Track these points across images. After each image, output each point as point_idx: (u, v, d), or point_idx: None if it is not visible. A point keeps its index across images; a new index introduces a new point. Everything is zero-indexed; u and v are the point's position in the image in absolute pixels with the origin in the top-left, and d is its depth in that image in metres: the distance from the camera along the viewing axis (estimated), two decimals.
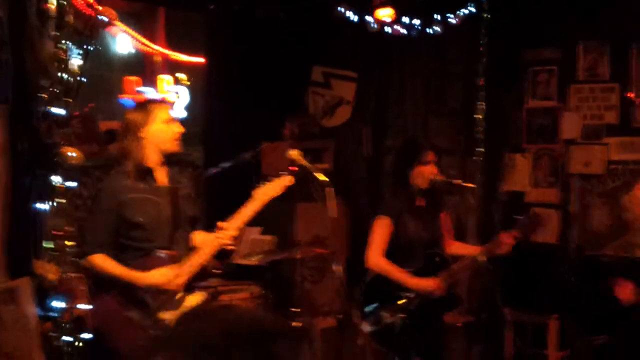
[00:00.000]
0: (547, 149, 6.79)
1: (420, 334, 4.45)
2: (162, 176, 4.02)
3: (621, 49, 6.40)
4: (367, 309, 4.48)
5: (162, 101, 4.73)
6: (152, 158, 3.95)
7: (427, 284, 4.43)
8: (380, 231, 4.54)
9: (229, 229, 3.94)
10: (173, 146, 3.97)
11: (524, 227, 4.59)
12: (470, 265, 4.62)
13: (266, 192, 4.04)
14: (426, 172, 4.54)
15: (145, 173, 3.95)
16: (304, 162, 4.34)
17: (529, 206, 6.73)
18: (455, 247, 4.82)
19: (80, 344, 4.14)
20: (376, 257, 4.50)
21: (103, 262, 3.85)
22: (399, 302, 4.44)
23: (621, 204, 6.31)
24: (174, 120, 4.00)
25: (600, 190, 6.52)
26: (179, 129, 3.98)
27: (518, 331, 6.41)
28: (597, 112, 6.57)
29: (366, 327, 4.45)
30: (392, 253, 4.53)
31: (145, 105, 4.02)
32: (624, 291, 4.56)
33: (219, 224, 3.97)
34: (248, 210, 3.99)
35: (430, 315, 4.48)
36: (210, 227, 4.23)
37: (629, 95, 6.39)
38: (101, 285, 3.96)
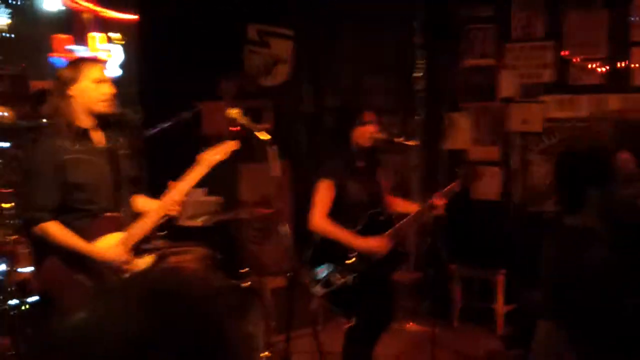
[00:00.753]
0: (485, 107, 6.86)
1: (370, 292, 4.46)
2: (98, 137, 3.88)
3: (555, 6, 6.47)
4: (317, 271, 4.45)
5: (94, 59, 4.56)
6: (83, 118, 3.80)
7: (372, 243, 4.43)
8: (323, 193, 4.51)
9: (176, 195, 3.86)
10: (103, 107, 3.80)
11: (463, 179, 4.64)
12: (414, 222, 4.64)
13: (211, 156, 3.97)
14: (367, 132, 4.51)
15: (80, 134, 3.80)
16: (245, 121, 4.30)
17: (471, 163, 6.80)
18: (395, 204, 4.84)
19: (26, 306, 4.01)
20: (320, 220, 4.48)
21: (57, 230, 3.72)
22: (348, 262, 4.42)
23: None
24: (105, 80, 3.82)
25: (538, 147, 6.63)
26: (110, 89, 3.81)
27: (465, 286, 6.52)
28: (533, 71, 6.64)
29: (318, 290, 4.42)
30: (336, 214, 4.51)
31: (76, 63, 3.85)
32: None
33: (170, 183, 3.88)
34: (194, 174, 3.93)
35: (379, 273, 4.49)
36: (152, 187, 4.15)
37: (563, 53, 6.47)
38: (44, 248, 3.83)
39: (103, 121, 3.87)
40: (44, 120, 4.76)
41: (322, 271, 4.44)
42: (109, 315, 1.24)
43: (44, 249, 3.86)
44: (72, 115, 3.76)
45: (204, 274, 4.75)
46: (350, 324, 4.47)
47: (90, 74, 3.77)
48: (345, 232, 4.44)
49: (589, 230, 3.13)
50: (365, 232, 4.48)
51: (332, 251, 4.45)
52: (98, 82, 3.78)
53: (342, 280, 4.40)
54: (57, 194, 3.75)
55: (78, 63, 3.84)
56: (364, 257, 4.43)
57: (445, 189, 4.58)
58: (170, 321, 1.22)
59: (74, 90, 3.75)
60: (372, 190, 4.63)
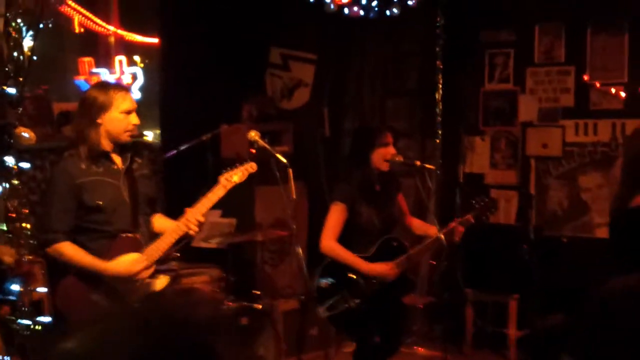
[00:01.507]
0: (504, 131, 6.84)
1: (376, 317, 4.46)
2: (117, 158, 3.94)
3: (577, 30, 6.46)
4: (324, 293, 4.45)
5: (125, 88, 4.64)
6: (105, 143, 3.86)
7: (380, 268, 4.43)
8: (335, 216, 4.53)
9: (195, 215, 3.90)
10: (125, 137, 3.87)
11: (479, 211, 4.61)
12: (427, 250, 4.63)
13: (230, 178, 4.02)
14: (387, 154, 4.52)
15: (101, 156, 3.86)
16: (263, 144, 4.35)
17: (488, 188, 6.78)
18: (415, 225, 4.83)
19: (39, 327, 4.06)
20: (329, 242, 4.49)
21: (71, 250, 3.79)
22: (354, 286, 4.42)
23: (579, 185, 6.40)
24: (133, 110, 3.89)
25: (557, 172, 6.59)
26: (136, 120, 3.87)
27: (478, 311, 6.46)
28: (553, 95, 6.62)
29: (323, 313, 4.43)
30: (348, 238, 4.51)
31: (106, 89, 3.87)
32: None
33: (186, 210, 3.92)
34: (212, 196, 3.98)
35: (385, 299, 4.48)
36: (170, 209, 4.19)
37: (584, 77, 6.45)
38: (59, 269, 3.90)
39: (122, 146, 3.94)
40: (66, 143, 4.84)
41: (329, 294, 4.45)
42: (104, 341, 1.23)
43: (59, 270, 3.93)
44: (98, 141, 3.83)
45: (210, 297, 4.78)
46: (354, 348, 4.47)
47: (122, 104, 3.82)
48: (353, 256, 4.45)
49: None
50: (377, 257, 4.49)
51: (340, 274, 4.45)
52: (128, 113, 3.85)
53: (347, 304, 4.40)
54: (72, 216, 3.80)
55: (109, 90, 3.85)
56: (370, 281, 4.42)
57: (462, 219, 4.55)
58: (166, 347, 1.21)
59: (103, 119, 3.80)
60: (386, 214, 4.63)
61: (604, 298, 3.27)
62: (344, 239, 4.52)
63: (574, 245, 6.31)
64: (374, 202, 4.58)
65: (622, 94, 6.29)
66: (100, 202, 3.80)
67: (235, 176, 4.02)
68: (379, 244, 4.52)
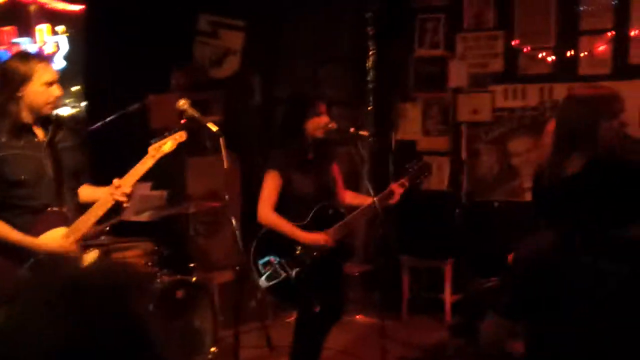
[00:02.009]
0: (436, 97, 6.87)
1: (316, 285, 4.46)
2: (39, 131, 3.82)
3: None
4: (261, 263, 4.43)
5: (46, 58, 4.47)
6: (26, 115, 3.74)
7: (317, 237, 4.42)
8: (270, 185, 4.48)
9: (123, 186, 3.81)
10: (47, 109, 3.76)
11: (413, 175, 4.64)
12: (362, 216, 4.63)
13: (159, 148, 3.92)
14: (321, 123, 4.48)
15: (22, 129, 3.74)
16: (194, 113, 4.26)
17: (421, 154, 6.82)
18: (348, 197, 4.83)
19: None
20: (266, 212, 4.45)
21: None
22: (293, 255, 4.41)
23: (509, 150, 6.49)
24: (55, 81, 3.77)
25: (487, 137, 6.66)
26: (58, 92, 3.76)
27: (414, 277, 6.54)
28: (483, 61, 6.67)
29: (262, 283, 4.41)
30: (284, 207, 4.49)
31: (27, 61, 3.74)
32: None
33: (114, 180, 3.82)
34: (141, 166, 3.88)
35: (325, 267, 4.48)
36: (98, 182, 4.09)
37: (513, 42, 6.50)
38: None
39: (43, 118, 3.83)
40: None
41: (266, 263, 4.42)
42: (28, 316, 1.21)
43: None
44: (18, 114, 3.70)
45: (132, 267, 4.72)
46: (295, 317, 4.46)
47: (43, 76, 3.70)
48: (290, 226, 4.43)
49: None
50: (313, 225, 4.47)
51: (277, 243, 4.43)
52: (49, 85, 3.73)
53: (286, 273, 4.39)
54: None
55: (29, 61, 3.73)
56: (309, 250, 4.42)
57: (397, 183, 4.57)
58: (90, 318, 1.19)
59: (24, 91, 3.68)
60: (321, 183, 4.61)
61: (516, 258, 3.36)
62: (280, 207, 4.49)
63: (505, 210, 6.41)
64: (308, 170, 4.55)
65: (550, 59, 6.37)
66: (23, 177, 3.69)
67: (165, 146, 3.92)
68: (315, 212, 4.50)
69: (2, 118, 3.69)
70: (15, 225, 3.69)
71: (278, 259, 4.41)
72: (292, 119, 4.61)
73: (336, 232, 4.47)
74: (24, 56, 3.86)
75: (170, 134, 3.96)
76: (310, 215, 4.49)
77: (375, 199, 4.47)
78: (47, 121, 3.83)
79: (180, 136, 3.98)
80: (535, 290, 3.15)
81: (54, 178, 3.79)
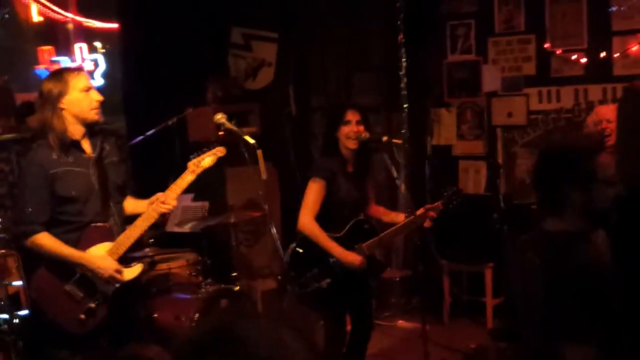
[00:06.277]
0: (470, 102, 6.89)
1: (346, 298, 4.49)
2: (87, 146, 3.91)
3: None
4: (295, 271, 4.46)
5: (78, 69, 4.58)
6: (73, 129, 3.83)
7: (353, 258, 4.41)
8: (314, 193, 4.49)
9: (166, 200, 3.91)
10: (93, 115, 3.84)
11: (447, 200, 4.66)
12: (396, 234, 4.66)
13: (199, 163, 4.02)
14: (350, 132, 4.50)
15: (71, 145, 3.83)
16: (231, 126, 4.35)
17: (457, 159, 6.85)
18: (381, 213, 4.85)
19: (17, 320, 4.04)
20: (308, 220, 4.46)
21: (50, 241, 3.78)
22: (326, 266, 4.43)
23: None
24: (91, 87, 3.86)
25: (523, 140, 6.67)
26: (98, 96, 3.85)
27: (454, 281, 6.55)
28: (515, 64, 6.69)
29: (294, 290, 4.44)
30: (322, 215, 4.51)
31: (60, 75, 3.86)
32: None
33: (158, 195, 3.93)
34: (182, 181, 3.98)
35: (355, 281, 4.49)
36: (139, 195, 4.18)
37: (545, 45, 6.51)
38: (34, 261, 3.88)
39: (90, 130, 3.91)
40: (31, 134, 4.80)
41: (301, 271, 4.45)
42: None
43: (33, 262, 3.90)
44: (65, 127, 3.79)
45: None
46: (325, 334, 4.47)
47: (77, 84, 3.81)
48: (328, 239, 4.42)
49: (575, 235, 2.98)
50: (348, 238, 4.49)
51: (312, 252, 4.45)
52: (86, 91, 3.82)
53: (317, 283, 4.41)
54: (48, 207, 3.79)
55: (62, 74, 3.86)
56: (342, 264, 4.43)
57: (432, 206, 4.58)
58: None
59: (64, 103, 3.78)
60: (358, 196, 4.63)
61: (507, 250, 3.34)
62: (319, 214, 4.51)
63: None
64: (348, 182, 4.58)
65: (583, 60, 6.37)
66: (73, 193, 3.79)
67: (204, 161, 4.02)
68: (351, 225, 4.52)
69: (51, 134, 3.78)
70: (63, 240, 3.79)
71: (311, 268, 4.43)
72: (326, 131, 4.66)
73: (370, 248, 4.49)
74: (56, 72, 3.99)
75: (209, 149, 4.05)
76: (347, 228, 4.51)
77: (408, 219, 4.49)
78: (93, 135, 3.92)
79: (220, 151, 4.07)
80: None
81: (100, 193, 3.88)
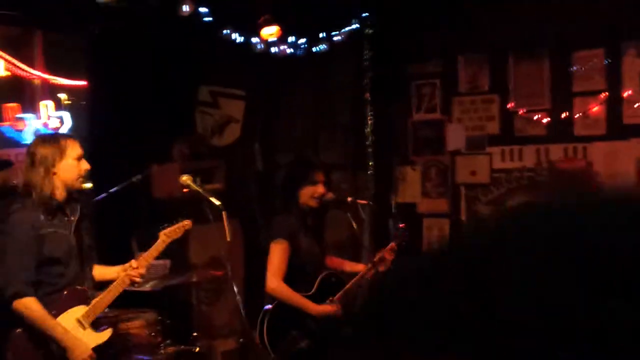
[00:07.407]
0: (434, 160, 6.96)
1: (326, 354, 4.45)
2: (68, 210, 3.99)
3: (499, 60, 6.63)
4: (273, 337, 4.42)
5: (71, 135, 4.64)
6: (59, 193, 3.91)
7: (327, 309, 4.43)
8: (279, 255, 4.48)
9: (139, 268, 4.07)
10: (79, 184, 4.01)
11: (398, 240, 4.71)
12: (362, 280, 4.66)
13: (170, 234, 4.25)
14: (316, 192, 4.52)
15: (55, 208, 3.89)
16: (196, 188, 4.46)
17: (421, 217, 6.87)
18: (339, 264, 4.86)
19: None
20: (276, 284, 4.44)
21: (37, 308, 3.79)
22: (304, 327, 4.40)
23: None
24: (82, 156, 3.95)
25: (486, 198, 6.72)
26: (87, 166, 3.98)
27: None
28: (479, 123, 6.77)
29: (275, 357, 4.40)
30: (289, 275, 4.49)
31: (56, 140, 3.96)
32: None
33: (132, 262, 4.10)
34: (154, 251, 4.21)
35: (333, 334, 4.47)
36: (100, 253, 4.25)
37: (508, 105, 6.61)
38: (11, 321, 3.85)
39: (70, 195, 3.98)
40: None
41: (279, 337, 4.41)
42: None
43: (10, 323, 3.88)
44: (52, 191, 3.85)
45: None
46: None
47: (73, 152, 3.92)
48: (301, 298, 4.41)
49: None
50: (319, 294, 4.48)
51: (288, 315, 4.42)
52: (79, 160, 3.90)
53: (298, 345, 4.38)
54: (32, 269, 3.83)
55: (58, 140, 3.96)
56: (319, 322, 4.41)
57: (386, 248, 4.62)
58: None
59: (58, 168, 3.85)
60: (320, 250, 4.64)
61: None
62: (285, 277, 4.49)
63: None
64: (309, 237, 4.58)
65: (545, 120, 6.46)
66: (59, 255, 3.88)
67: (174, 233, 4.27)
68: (319, 281, 4.52)
69: (39, 197, 3.82)
70: (42, 303, 3.80)
71: (289, 332, 4.40)
72: (287, 186, 4.67)
73: (342, 299, 4.48)
74: (50, 137, 4.09)
75: (178, 222, 4.30)
76: (316, 285, 4.50)
77: (370, 264, 4.51)
78: (74, 199, 4.00)
79: (188, 224, 4.34)
80: None
81: (79, 256, 3.97)
